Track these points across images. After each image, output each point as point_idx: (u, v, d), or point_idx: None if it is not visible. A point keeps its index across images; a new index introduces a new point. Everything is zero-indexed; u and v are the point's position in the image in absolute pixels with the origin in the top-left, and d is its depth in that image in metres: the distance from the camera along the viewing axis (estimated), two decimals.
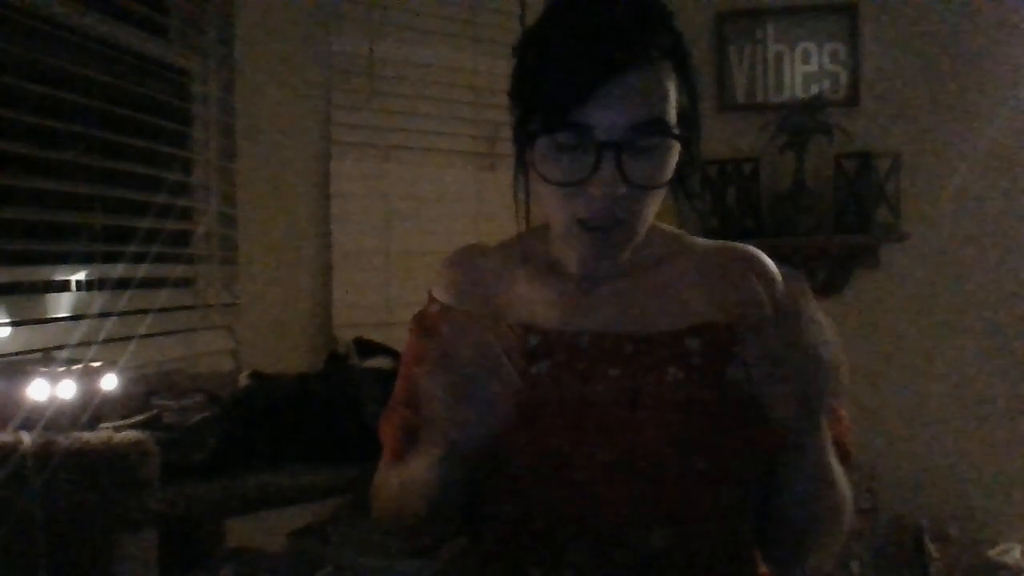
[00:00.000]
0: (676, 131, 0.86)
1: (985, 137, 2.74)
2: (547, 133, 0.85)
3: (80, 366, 1.14)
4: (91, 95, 1.59)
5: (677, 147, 0.87)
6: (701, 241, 1.00)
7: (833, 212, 2.73)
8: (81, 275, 1.56)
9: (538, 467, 0.86)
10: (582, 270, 0.94)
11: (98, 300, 1.56)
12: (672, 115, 0.85)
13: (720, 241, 1.00)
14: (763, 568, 0.94)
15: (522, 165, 0.91)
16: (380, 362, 1.72)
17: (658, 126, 0.84)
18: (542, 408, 0.87)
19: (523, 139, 0.89)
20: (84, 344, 1.43)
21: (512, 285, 0.98)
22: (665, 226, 0.99)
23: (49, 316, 1.47)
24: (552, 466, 0.87)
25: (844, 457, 0.89)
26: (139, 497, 1.00)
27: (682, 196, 0.94)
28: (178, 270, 1.85)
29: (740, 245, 0.99)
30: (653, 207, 0.89)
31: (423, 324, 1.01)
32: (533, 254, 0.99)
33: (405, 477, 0.93)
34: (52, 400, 1.07)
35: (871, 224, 2.69)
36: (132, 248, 1.65)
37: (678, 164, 0.88)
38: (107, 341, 1.50)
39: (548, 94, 0.84)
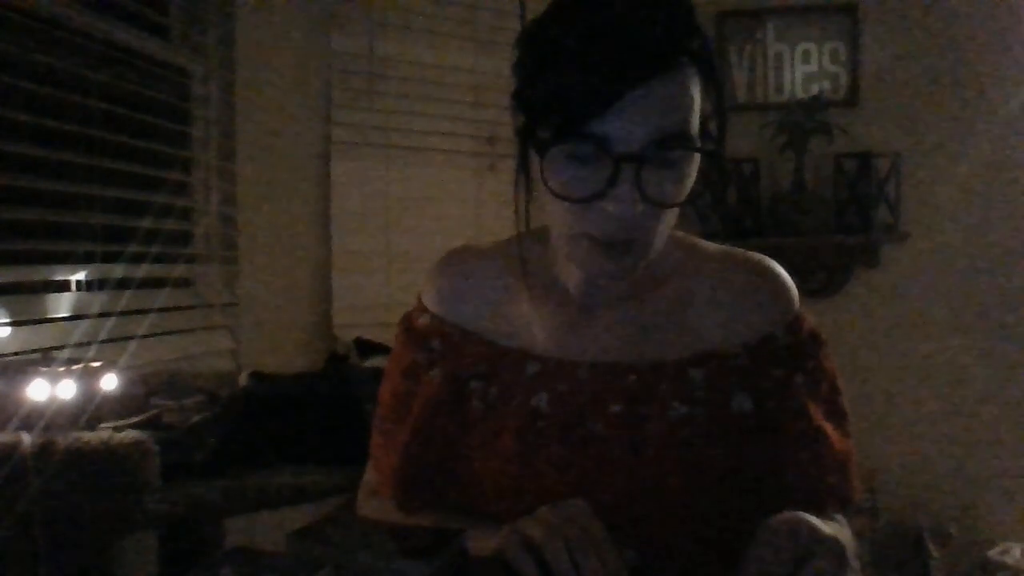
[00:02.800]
0: (700, 143, 0.78)
1: (985, 137, 2.74)
2: (560, 143, 0.76)
3: (80, 366, 1.14)
4: (91, 95, 1.59)
5: (698, 158, 0.79)
6: (713, 249, 0.92)
7: (833, 212, 2.73)
8: (81, 275, 1.56)
9: (534, 508, 0.78)
10: (585, 289, 0.88)
11: (98, 300, 1.56)
12: (696, 125, 0.77)
13: (733, 250, 0.92)
14: None
15: (524, 169, 0.83)
16: (380, 362, 1.72)
17: (682, 140, 0.75)
18: (540, 447, 0.83)
19: (533, 147, 0.80)
20: (84, 344, 1.43)
21: (508, 297, 0.92)
22: (678, 233, 0.91)
23: (49, 316, 1.47)
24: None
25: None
26: (139, 497, 1.00)
27: (701, 204, 0.90)
28: (178, 270, 1.85)
29: (755, 257, 0.91)
30: (670, 224, 0.82)
31: (411, 332, 0.95)
32: (531, 263, 0.92)
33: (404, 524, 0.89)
34: (52, 400, 1.07)
35: (871, 224, 2.69)
36: (132, 248, 1.65)
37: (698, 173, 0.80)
38: (107, 341, 1.50)
39: (564, 101, 0.74)
